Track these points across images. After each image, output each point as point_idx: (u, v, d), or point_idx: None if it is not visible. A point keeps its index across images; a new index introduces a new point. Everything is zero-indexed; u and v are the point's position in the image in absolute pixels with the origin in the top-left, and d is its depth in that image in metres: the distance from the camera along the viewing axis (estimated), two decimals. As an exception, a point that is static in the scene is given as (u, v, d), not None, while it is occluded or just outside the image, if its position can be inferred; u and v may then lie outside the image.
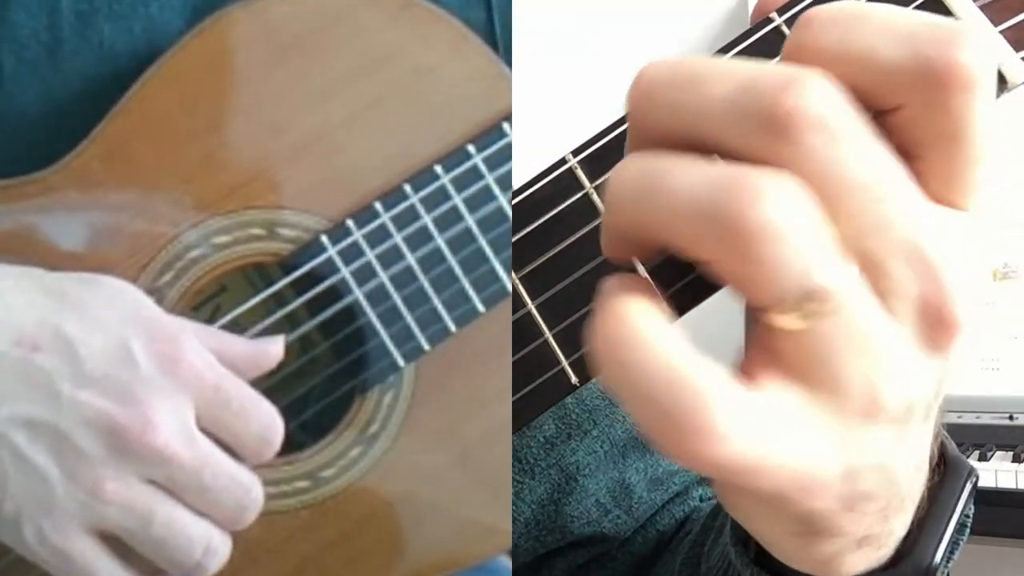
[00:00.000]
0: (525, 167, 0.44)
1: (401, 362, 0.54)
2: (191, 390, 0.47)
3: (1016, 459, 1.62)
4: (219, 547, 0.49)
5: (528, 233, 0.40)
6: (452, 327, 0.54)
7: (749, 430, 0.30)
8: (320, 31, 0.52)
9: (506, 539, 0.55)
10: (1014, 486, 1.55)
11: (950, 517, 0.45)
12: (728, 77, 0.33)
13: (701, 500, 0.74)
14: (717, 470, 0.30)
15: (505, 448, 0.55)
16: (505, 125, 0.53)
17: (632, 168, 0.33)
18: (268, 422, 0.49)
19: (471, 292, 0.53)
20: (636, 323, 0.31)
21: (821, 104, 0.31)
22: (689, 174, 0.32)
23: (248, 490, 0.48)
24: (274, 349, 0.50)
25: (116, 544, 0.47)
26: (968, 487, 0.46)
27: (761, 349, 0.33)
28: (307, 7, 0.52)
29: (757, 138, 0.32)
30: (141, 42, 0.52)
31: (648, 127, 0.34)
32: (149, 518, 0.47)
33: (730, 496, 0.37)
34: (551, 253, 0.40)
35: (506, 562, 0.58)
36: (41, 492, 0.46)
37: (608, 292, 0.33)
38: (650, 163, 0.33)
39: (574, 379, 0.39)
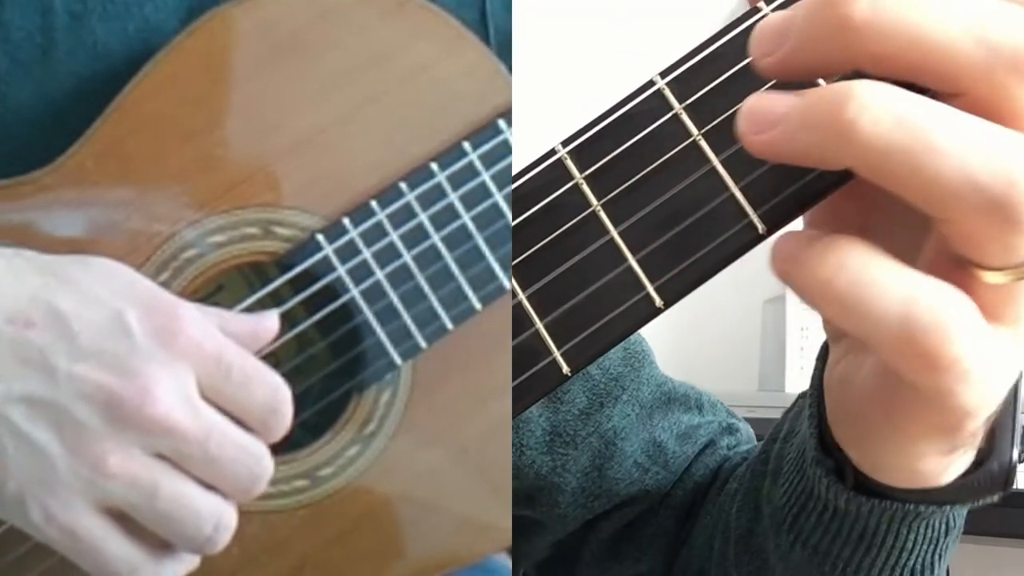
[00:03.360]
0: (522, 163, 0.44)
1: (398, 360, 0.54)
2: (191, 361, 0.46)
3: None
4: (230, 521, 0.48)
5: (518, 224, 0.40)
6: (449, 325, 0.53)
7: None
8: (315, 29, 0.52)
9: (505, 537, 0.55)
10: (1014, 486, 1.54)
11: (1015, 413, 0.46)
12: (968, 5, 0.33)
13: (729, 449, 0.75)
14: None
15: (504, 445, 0.55)
16: (501, 122, 0.53)
17: (889, 110, 0.33)
18: (274, 390, 0.48)
19: (468, 290, 0.53)
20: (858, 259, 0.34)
21: None
22: (964, 137, 0.33)
23: (259, 459, 0.48)
24: (270, 323, 0.50)
25: (125, 521, 0.47)
26: (1022, 384, 0.46)
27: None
28: (301, 5, 0.52)
29: (1002, 77, 0.33)
30: (136, 42, 0.52)
31: (865, 49, 0.34)
32: (154, 492, 0.46)
33: (913, 419, 0.39)
34: (541, 244, 0.40)
35: (505, 561, 0.58)
36: (43, 469, 0.45)
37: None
38: (910, 111, 0.33)
39: (565, 369, 0.39)
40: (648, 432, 0.73)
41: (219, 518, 0.47)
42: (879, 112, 0.33)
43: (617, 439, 0.72)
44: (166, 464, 0.46)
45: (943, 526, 0.51)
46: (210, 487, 0.47)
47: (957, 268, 0.35)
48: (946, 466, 0.44)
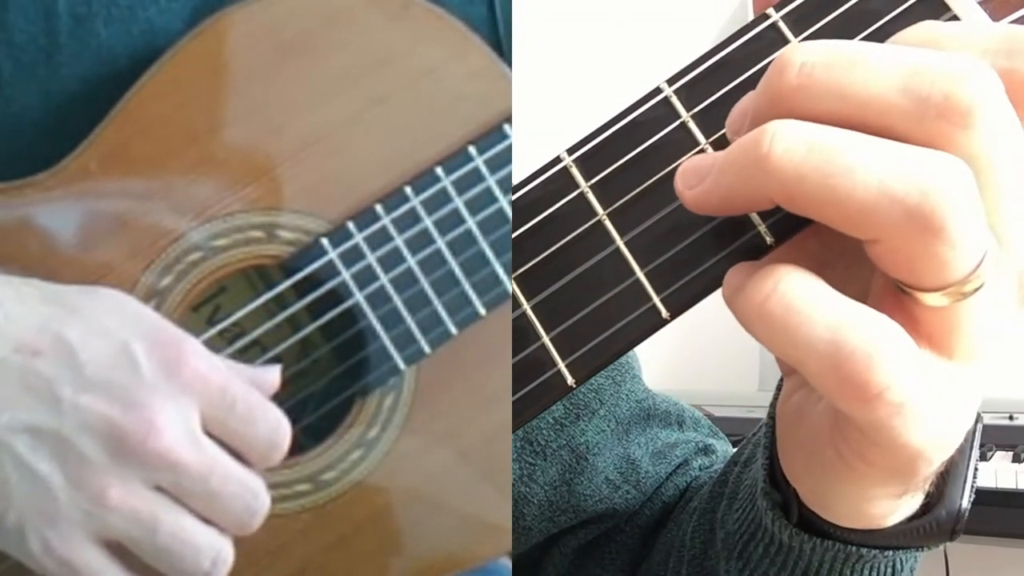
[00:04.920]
0: (526, 169, 0.44)
1: (402, 365, 0.53)
2: (196, 394, 0.46)
3: (1016, 459, 1.61)
4: (227, 556, 0.48)
5: (523, 233, 0.40)
6: (453, 330, 0.53)
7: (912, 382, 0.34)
8: (319, 31, 0.52)
9: (507, 540, 0.55)
10: (1014, 486, 1.54)
11: (969, 461, 0.46)
12: (893, 62, 0.34)
13: (700, 470, 0.75)
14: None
15: (505, 449, 0.55)
16: (506, 126, 0.53)
17: (799, 138, 0.34)
18: (275, 425, 0.48)
19: (472, 295, 0.53)
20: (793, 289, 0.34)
21: (997, 95, 0.33)
22: (874, 156, 0.33)
23: (256, 494, 0.48)
24: (271, 377, 0.50)
25: (123, 554, 0.47)
26: (978, 430, 0.46)
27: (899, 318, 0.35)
28: (306, 7, 0.52)
29: (933, 123, 0.33)
30: (140, 45, 0.52)
31: (805, 110, 0.35)
32: (154, 526, 0.46)
33: (864, 460, 0.38)
34: (546, 253, 0.40)
35: (506, 563, 0.58)
36: (44, 501, 0.45)
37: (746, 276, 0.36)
38: (820, 137, 0.34)
39: (570, 380, 0.39)
40: (623, 448, 0.73)
41: (217, 553, 0.47)
42: (791, 141, 0.34)
43: (589, 454, 0.72)
44: (166, 498, 0.46)
45: (888, 570, 0.50)
46: (208, 521, 0.47)
47: (900, 298, 0.35)
48: (894, 509, 0.43)
